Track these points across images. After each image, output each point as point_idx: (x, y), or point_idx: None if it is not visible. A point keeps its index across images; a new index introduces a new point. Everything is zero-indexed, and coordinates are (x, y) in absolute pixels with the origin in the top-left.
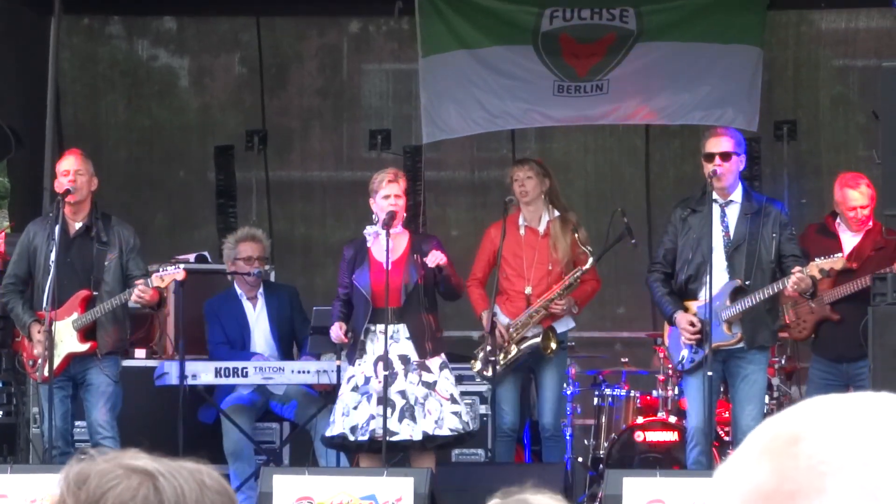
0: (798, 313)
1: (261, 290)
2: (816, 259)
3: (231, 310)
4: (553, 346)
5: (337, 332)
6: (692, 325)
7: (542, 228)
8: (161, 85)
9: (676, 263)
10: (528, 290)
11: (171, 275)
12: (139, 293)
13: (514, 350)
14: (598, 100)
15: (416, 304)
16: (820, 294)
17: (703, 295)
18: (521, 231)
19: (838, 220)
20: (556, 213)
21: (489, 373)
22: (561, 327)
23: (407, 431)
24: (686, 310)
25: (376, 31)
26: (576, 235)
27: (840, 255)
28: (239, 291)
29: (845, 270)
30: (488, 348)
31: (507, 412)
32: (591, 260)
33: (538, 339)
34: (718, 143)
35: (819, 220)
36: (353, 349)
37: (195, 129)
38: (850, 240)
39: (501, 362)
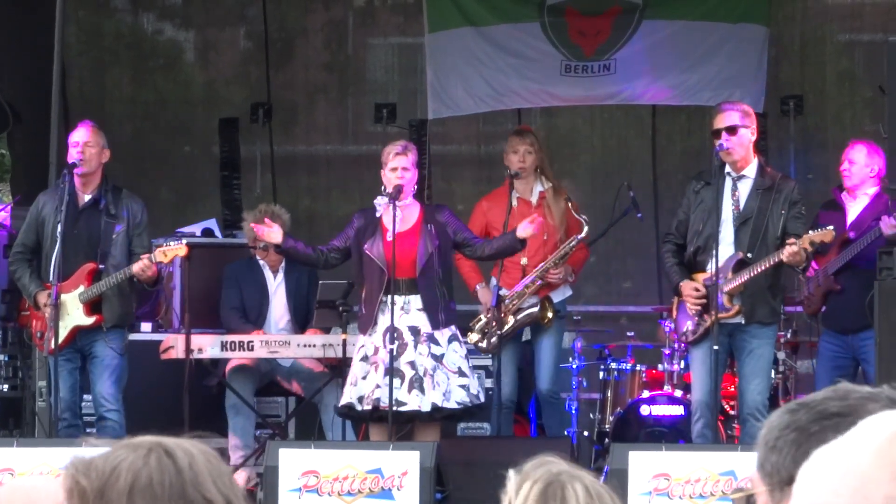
0: (809, 287)
1: (283, 264)
2: (809, 232)
3: (253, 276)
4: (550, 315)
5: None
6: (696, 290)
7: (534, 199)
8: (166, 58)
9: (687, 235)
10: (523, 261)
11: (173, 250)
12: (141, 268)
13: (510, 321)
14: (605, 80)
15: (431, 275)
16: (823, 266)
17: (711, 267)
18: (514, 203)
19: (844, 192)
20: (549, 184)
21: (484, 345)
22: (558, 297)
23: (416, 402)
24: (693, 280)
25: (381, 5)
26: (569, 204)
27: (831, 227)
28: (262, 262)
29: (846, 241)
30: (483, 320)
31: (504, 384)
32: (586, 228)
33: (535, 310)
34: (724, 119)
35: (825, 199)
36: (367, 320)
37: (200, 103)
38: (854, 209)
39: (498, 334)
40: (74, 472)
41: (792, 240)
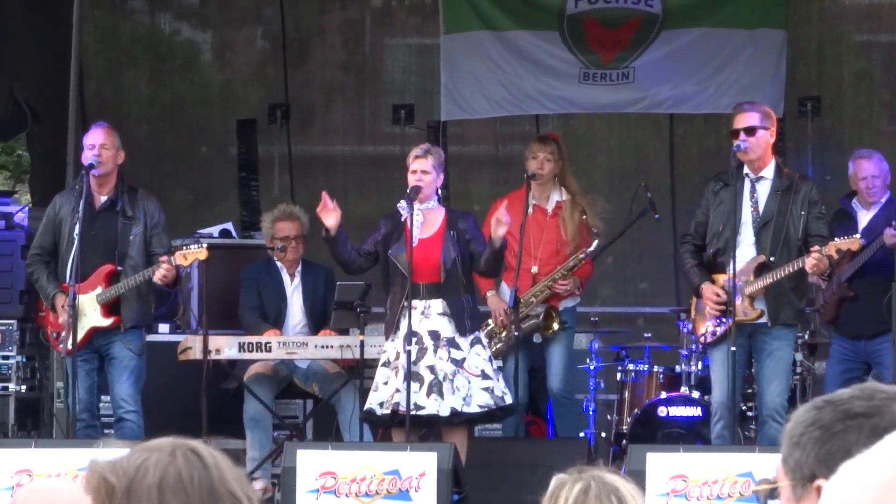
0: (824, 296)
1: (299, 267)
2: (836, 239)
3: (271, 278)
4: (556, 326)
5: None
6: (717, 295)
7: (549, 208)
8: (183, 59)
9: (707, 236)
10: (534, 269)
11: (193, 253)
12: (163, 275)
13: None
14: (624, 88)
15: (455, 281)
16: (836, 273)
17: (731, 269)
18: (530, 209)
19: (854, 199)
20: (567, 196)
21: (493, 349)
22: (564, 304)
23: (434, 406)
24: (713, 282)
25: (399, 6)
26: (584, 217)
27: (857, 235)
28: (279, 264)
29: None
30: (490, 325)
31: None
32: (594, 243)
33: (538, 320)
34: (743, 120)
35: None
36: (390, 326)
37: (217, 104)
38: (865, 217)
39: (503, 339)
40: (101, 469)
41: (816, 248)
